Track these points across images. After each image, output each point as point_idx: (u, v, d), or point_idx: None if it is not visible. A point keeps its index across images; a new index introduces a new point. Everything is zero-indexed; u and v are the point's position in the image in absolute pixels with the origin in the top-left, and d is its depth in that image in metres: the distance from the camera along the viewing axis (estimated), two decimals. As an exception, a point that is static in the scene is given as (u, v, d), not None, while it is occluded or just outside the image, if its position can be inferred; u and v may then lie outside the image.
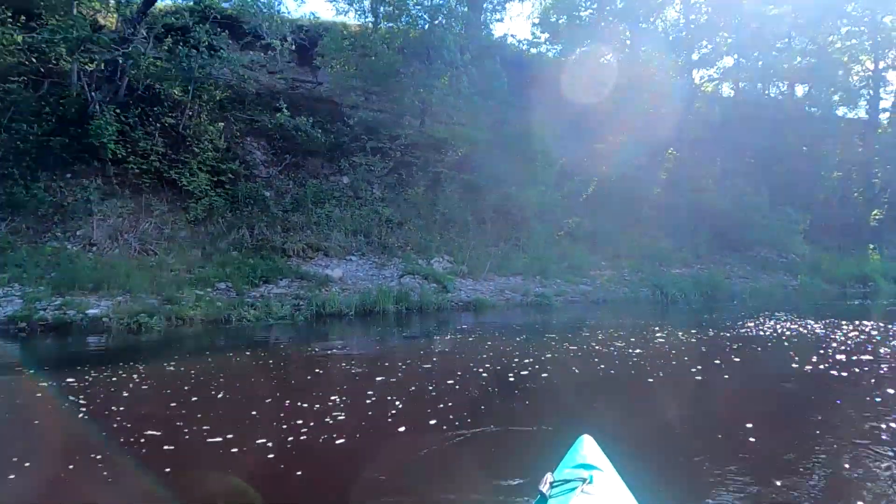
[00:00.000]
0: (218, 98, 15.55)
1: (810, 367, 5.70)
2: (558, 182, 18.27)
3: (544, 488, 1.83)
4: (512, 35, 28.82)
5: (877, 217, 28.06)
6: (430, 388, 4.90)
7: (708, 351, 6.83)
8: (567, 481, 1.86)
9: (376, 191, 16.73)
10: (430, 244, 15.31)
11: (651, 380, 5.25)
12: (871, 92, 31.03)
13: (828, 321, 9.57)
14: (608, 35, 23.81)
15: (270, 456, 3.28)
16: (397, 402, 4.36)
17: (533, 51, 24.17)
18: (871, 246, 26.24)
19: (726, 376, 5.40)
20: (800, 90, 29.35)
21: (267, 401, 4.46)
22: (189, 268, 12.21)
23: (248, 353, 6.88)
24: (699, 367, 5.75)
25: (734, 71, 26.81)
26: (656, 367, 5.79)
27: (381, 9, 17.78)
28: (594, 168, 20.84)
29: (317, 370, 5.72)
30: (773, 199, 23.06)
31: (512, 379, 5.24)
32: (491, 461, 3.25)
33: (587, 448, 2.22)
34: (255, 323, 9.43)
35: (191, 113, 15.01)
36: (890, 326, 8.75)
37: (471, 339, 8.05)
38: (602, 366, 5.85)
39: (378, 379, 5.24)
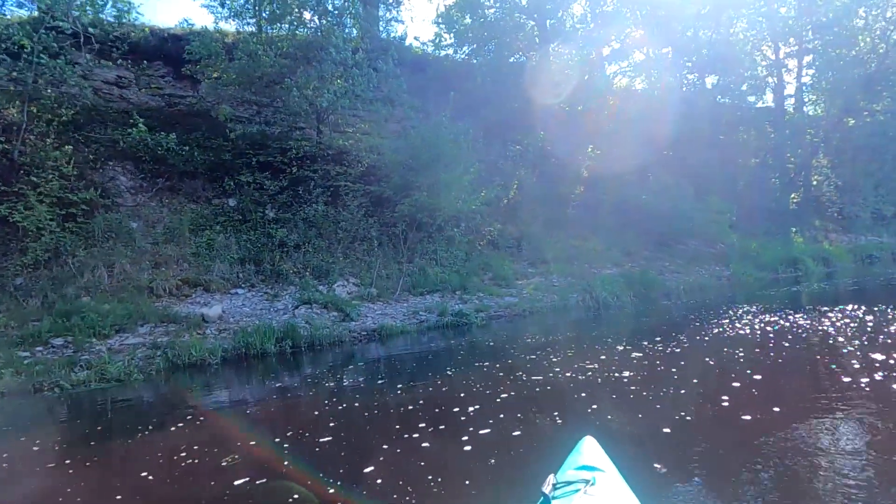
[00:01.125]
0: (65, 118, 13.14)
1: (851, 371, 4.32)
2: (476, 188, 16.81)
3: (547, 490, 1.82)
4: (416, 37, 27.43)
5: (795, 200, 28.39)
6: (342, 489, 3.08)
7: (718, 366, 5.39)
8: (570, 483, 1.85)
9: (269, 212, 14.68)
10: (332, 267, 13.40)
11: (684, 420, 3.72)
12: (776, 79, 31.79)
13: (805, 310, 8.54)
14: (516, 33, 22.86)
15: None
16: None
17: (441, 53, 22.87)
18: (794, 229, 26.35)
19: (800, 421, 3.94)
20: (709, 81, 29.52)
21: None
22: (21, 323, 9.80)
23: (36, 446, 4.81)
24: (729, 395, 4.24)
25: (645, 65, 26.54)
26: (673, 399, 4.25)
27: (265, 10, 15.85)
28: (513, 171, 19.62)
29: (139, 475, 3.75)
30: (696, 190, 22.58)
31: (469, 447, 3.49)
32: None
33: (590, 449, 2.21)
34: (76, 388, 7.22)
35: (30, 136, 12.58)
36: (877, 308, 7.75)
37: (380, 380, 6.27)
38: (594, 405, 4.23)
39: (236, 485, 3.34)
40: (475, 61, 22.43)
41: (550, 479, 1.89)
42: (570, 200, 20.18)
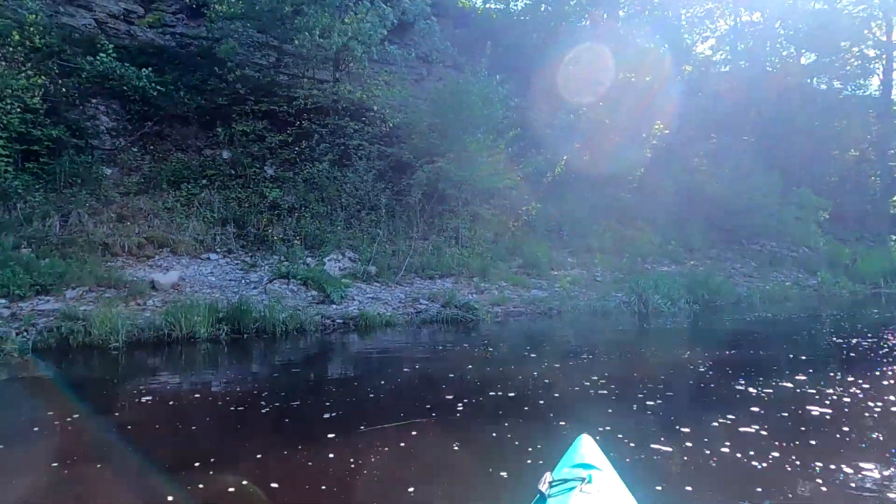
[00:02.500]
0: (38, 44, 11.46)
1: None
2: (515, 158, 14.32)
3: (543, 488, 1.84)
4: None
5: (897, 204, 24.26)
6: None
7: None
8: (566, 481, 1.86)
9: (268, 168, 12.71)
10: (328, 237, 11.30)
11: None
12: (884, 63, 27.37)
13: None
14: (580, -12, 19.93)
15: None
16: None
17: (492, 5, 20.22)
18: (893, 237, 22.39)
19: None
20: (804, 60, 25.50)
21: None
22: (-65, 273, 8.16)
23: None
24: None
25: (731, 35, 22.97)
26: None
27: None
28: (563, 143, 16.88)
29: None
30: (780, 183, 19.16)
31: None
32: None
33: (586, 447, 2.21)
34: None
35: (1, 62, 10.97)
36: None
37: (327, 412, 4.01)
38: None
39: None
40: (528, 18, 19.67)
41: (547, 476, 1.88)
42: (627, 183, 17.30)
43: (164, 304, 8.37)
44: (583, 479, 1.81)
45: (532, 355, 6.06)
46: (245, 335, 7.25)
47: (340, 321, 8.42)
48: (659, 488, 2.61)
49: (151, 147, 12.18)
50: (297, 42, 12.00)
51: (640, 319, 9.61)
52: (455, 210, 13.35)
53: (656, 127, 19.94)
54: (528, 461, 2.91)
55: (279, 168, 12.79)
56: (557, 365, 5.43)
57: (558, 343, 7.29)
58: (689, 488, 2.64)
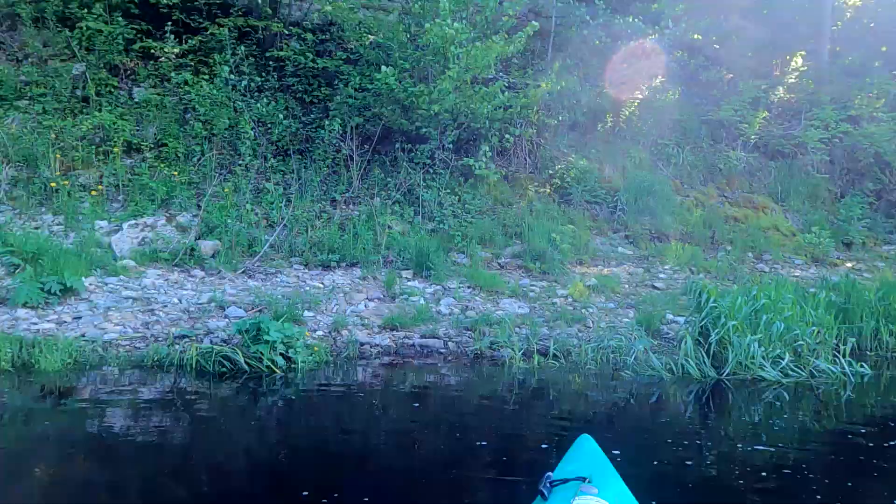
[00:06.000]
0: None
1: None
2: (536, 78, 8.79)
3: (544, 488, 1.81)
4: None
5: None
6: None
7: None
8: (566, 481, 1.83)
9: (140, 88, 8.35)
10: (156, 187, 6.65)
11: None
12: None
13: None
14: None
15: None
16: None
17: None
18: None
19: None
20: None
21: None
22: None
23: None
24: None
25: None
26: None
27: None
28: (636, 72, 10.84)
29: None
30: None
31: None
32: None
33: (586, 448, 2.17)
34: None
35: None
36: None
37: None
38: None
39: None
40: None
41: (547, 476, 1.85)
42: (741, 134, 10.89)
43: None
44: (583, 479, 1.79)
45: None
46: None
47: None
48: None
49: (-25, 53, 8.27)
50: None
51: (694, 401, 3.86)
52: (414, 153, 8.11)
53: (797, 59, 13.10)
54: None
55: (156, 89, 8.35)
56: None
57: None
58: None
